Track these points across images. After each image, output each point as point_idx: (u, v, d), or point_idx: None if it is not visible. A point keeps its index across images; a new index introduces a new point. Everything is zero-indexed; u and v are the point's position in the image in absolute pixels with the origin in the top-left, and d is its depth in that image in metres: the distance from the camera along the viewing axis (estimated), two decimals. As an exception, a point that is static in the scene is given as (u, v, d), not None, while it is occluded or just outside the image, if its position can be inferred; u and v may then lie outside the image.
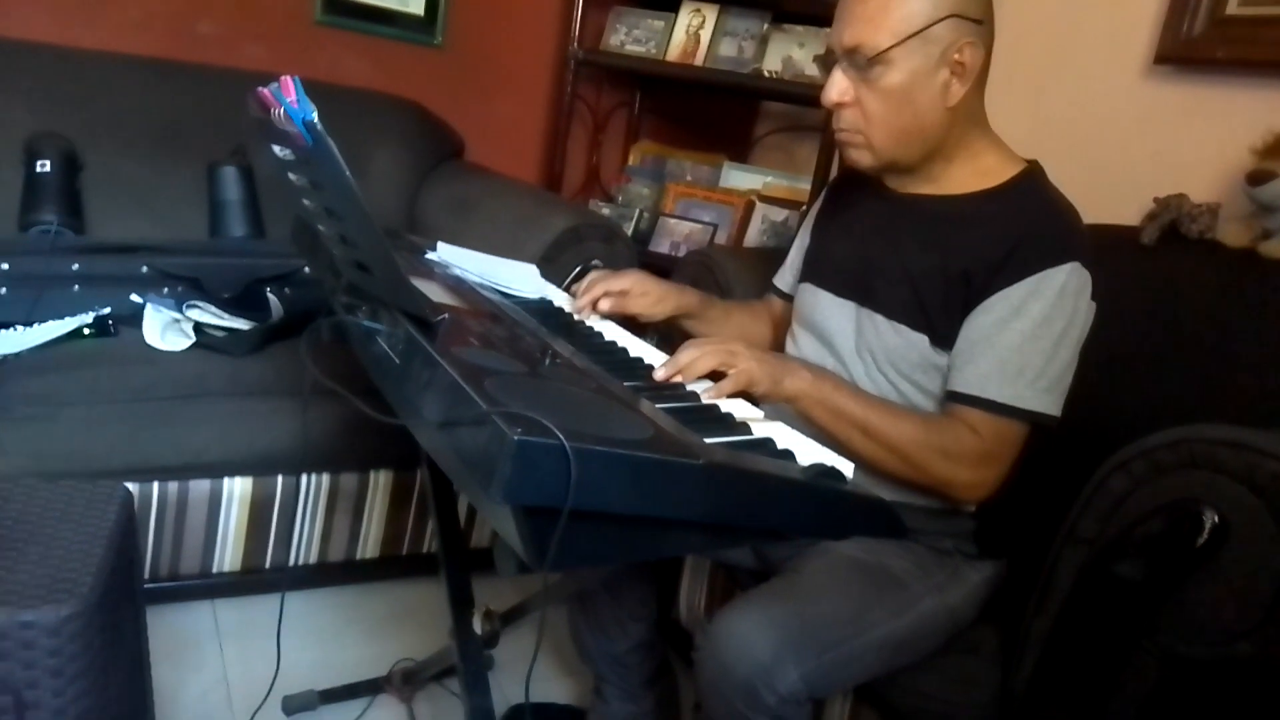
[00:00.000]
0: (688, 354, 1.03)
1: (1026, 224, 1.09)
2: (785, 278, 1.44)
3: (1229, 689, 0.92)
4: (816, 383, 1.09)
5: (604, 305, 1.25)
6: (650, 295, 1.29)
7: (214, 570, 1.72)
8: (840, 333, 1.23)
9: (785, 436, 0.91)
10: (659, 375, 1.02)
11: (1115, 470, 0.97)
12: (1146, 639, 0.94)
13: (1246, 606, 0.87)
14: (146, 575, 1.63)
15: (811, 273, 1.33)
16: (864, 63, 1.08)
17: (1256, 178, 1.39)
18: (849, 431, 1.08)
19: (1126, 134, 1.77)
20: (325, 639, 1.74)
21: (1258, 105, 1.54)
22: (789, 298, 1.41)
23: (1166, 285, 1.41)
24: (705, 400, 0.99)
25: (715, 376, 1.04)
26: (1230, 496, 0.89)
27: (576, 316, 1.27)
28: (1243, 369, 1.28)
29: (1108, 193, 1.51)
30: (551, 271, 1.74)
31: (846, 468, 0.84)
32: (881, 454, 1.08)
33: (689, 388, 1.02)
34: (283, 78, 0.78)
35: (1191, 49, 1.64)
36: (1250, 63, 1.57)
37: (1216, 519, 0.89)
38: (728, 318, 1.40)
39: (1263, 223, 1.41)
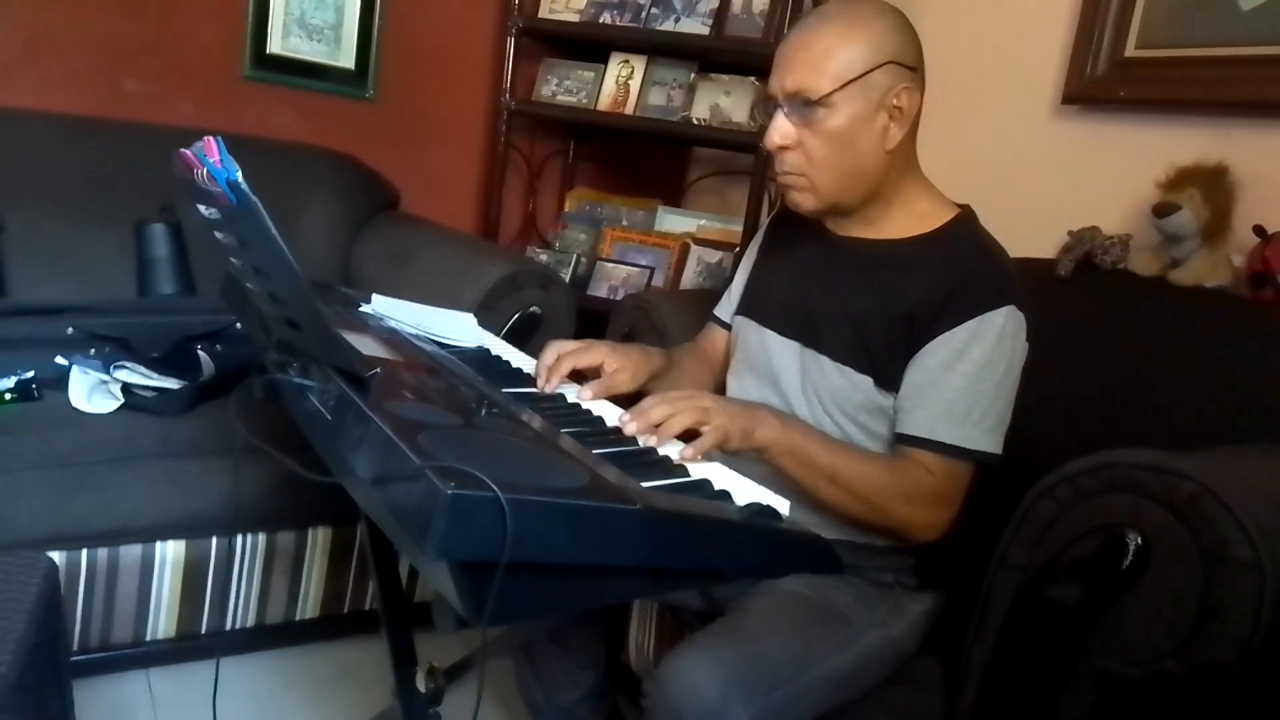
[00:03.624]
0: (659, 411, 1.01)
1: (964, 268, 1.12)
2: (727, 308, 1.42)
3: (1162, 707, 0.94)
4: (785, 431, 1.08)
5: (587, 394, 1.16)
6: (627, 371, 1.21)
7: (147, 638, 1.66)
8: (786, 372, 1.24)
9: (722, 477, 0.91)
10: (630, 430, 1.00)
11: (1041, 497, 1.00)
12: (1081, 661, 0.96)
13: (1172, 625, 0.89)
14: (76, 646, 1.57)
15: (752, 309, 1.34)
16: (806, 107, 1.11)
17: (1162, 210, 1.46)
18: (816, 479, 1.08)
19: (1039, 171, 1.84)
20: (265, 704, 1.68)
21: (1159, 141, 1.63)
22: (730, 327, 1.41)
23: (1083, 315, 1.46)
24: (679, 460, 0.96)
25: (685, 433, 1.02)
26: (1152, 518, 0.91)
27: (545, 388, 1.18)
28: (1159, 392, 1.33)
29: (1024, 227, 1.56)
30: (489, 320, 1.74)
31: (782, 506, 0.85)
32: (847, 500, 1.09)
33: (661, 451, 0.99)
34: (205, 138, 0.78)
35: (1095, 89, 1.73)
36: (1150, 101, 1.66)
37: (1140, 541, 0.91)
38: (682, 371, 1.37)
39: (1170, 252, 1.48)
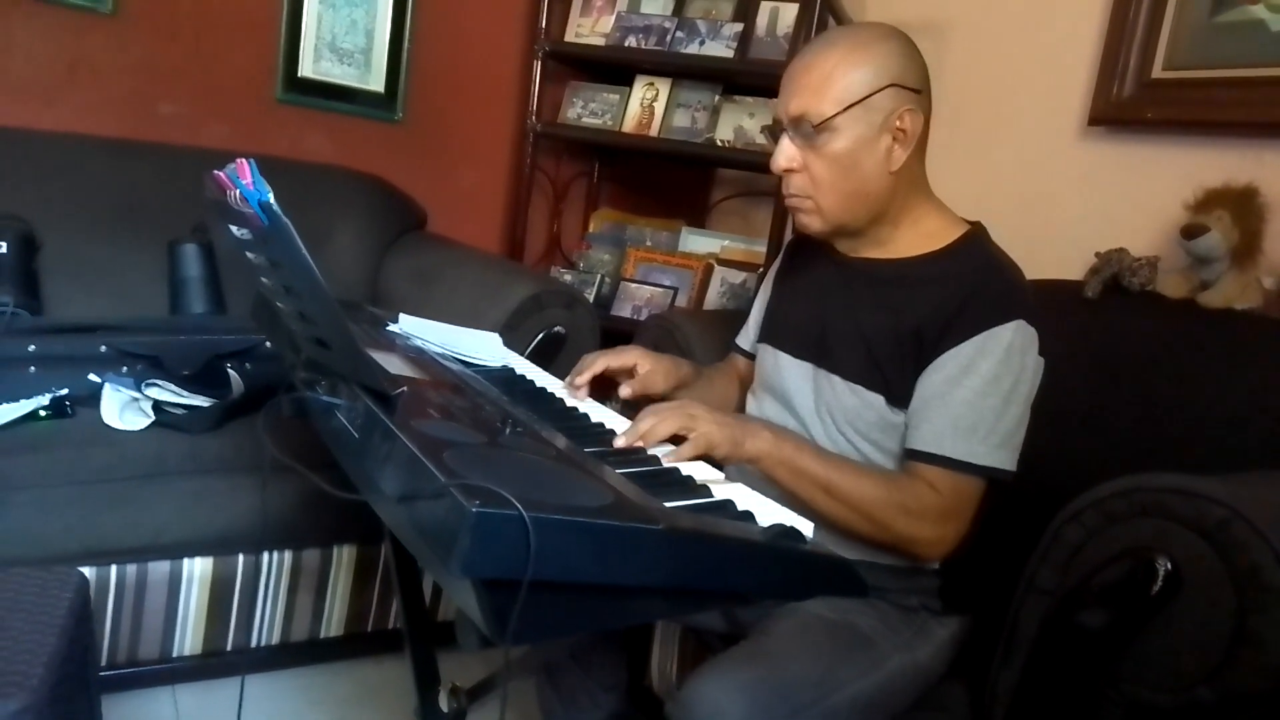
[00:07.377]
0: (647, 421, 1.04)
1: (972, 284, 1.12)
2: (747, 336, 1.46)
3: (1194, 736, 0.93)
4: (778, 443, 1.09)
5: (625, 392, 1.22)
6: (659, 373, 1.27)
7: (174, 655, 1.67)
8: (799, 393, 1.25)
9: (745, 498, 0.91)
10: (620, 443, 1.02)
11: (1069, 521, 0.99)
12: (1111, 688, 0.95)
13: (1204, 651, 0.88)
14: (103, 662, 1.58)
15: (769, 334, 1.35)
16: (810, 130, 1.13)
17: (1190, 231, 1.45)
18: (811, 491, 1.08)
19: (1066, 192, 1.83)
20: (289, 722, 1.69)
21: (1187, 162, 1.62)
22: (751, 355, 1.43)
23: (1111, 337, 1.45)
24: (666, 464, 0.99)
25: (677, 441, 1.04)
26: (1181, 543, 0.90)
27: (570, 396, 1.22)
28: (1188, 415, 1.31)
29: (1051, 249, 1.56)
30: (514, 339, 1.75)
31: (806, 527, 0.85)
32: (844, 513, 1.09)
33: (650, 452, 1.02)
34: (238, 160, 0.80)
35: (1122, 111, 1.72)
36: (1178, 122, 1.65)
37: (1169, 566, 0.90)
38: (711, 385, 1.41)
39: (1199, 274, 1.47)
